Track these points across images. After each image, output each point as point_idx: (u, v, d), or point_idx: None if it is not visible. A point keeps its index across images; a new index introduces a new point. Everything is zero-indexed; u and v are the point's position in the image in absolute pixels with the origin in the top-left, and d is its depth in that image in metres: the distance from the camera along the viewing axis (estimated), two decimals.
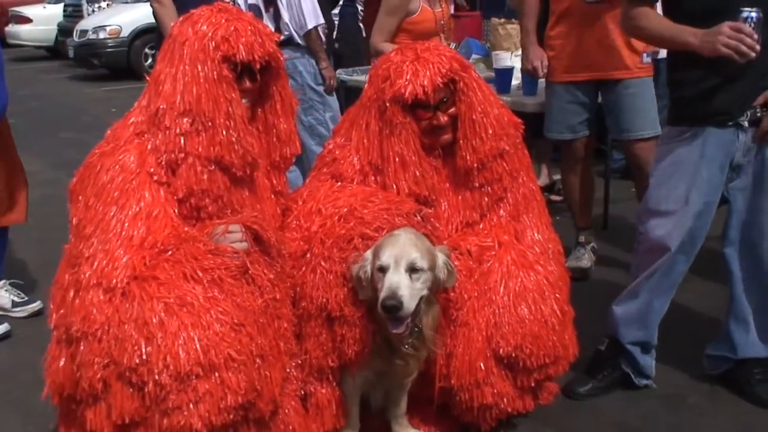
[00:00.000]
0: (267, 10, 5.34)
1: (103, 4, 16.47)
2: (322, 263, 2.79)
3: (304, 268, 2.83)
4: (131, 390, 2.37)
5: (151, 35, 12.12)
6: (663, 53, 4.74)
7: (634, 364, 3.48)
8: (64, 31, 16.44)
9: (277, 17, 5.33)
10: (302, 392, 2.88)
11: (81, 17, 16.17)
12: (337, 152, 3.12)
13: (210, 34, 2.65)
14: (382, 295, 2.57)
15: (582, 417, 3.36)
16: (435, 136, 3.05)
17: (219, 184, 2.67)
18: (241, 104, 2.72)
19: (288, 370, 2.78)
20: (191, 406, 2.35)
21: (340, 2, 7.74)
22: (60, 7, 17.34)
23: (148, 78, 2.78)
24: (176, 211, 2.63)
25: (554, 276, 3.05)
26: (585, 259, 4.87)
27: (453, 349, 2.92)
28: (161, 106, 2.62)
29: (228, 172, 2.68)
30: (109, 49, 14.45)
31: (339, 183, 3.05)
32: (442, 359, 2.92)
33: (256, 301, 2.57)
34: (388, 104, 2.95)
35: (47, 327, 2.65)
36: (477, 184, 3.08)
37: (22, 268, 5.08)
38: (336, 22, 7.35)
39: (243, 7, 5.20)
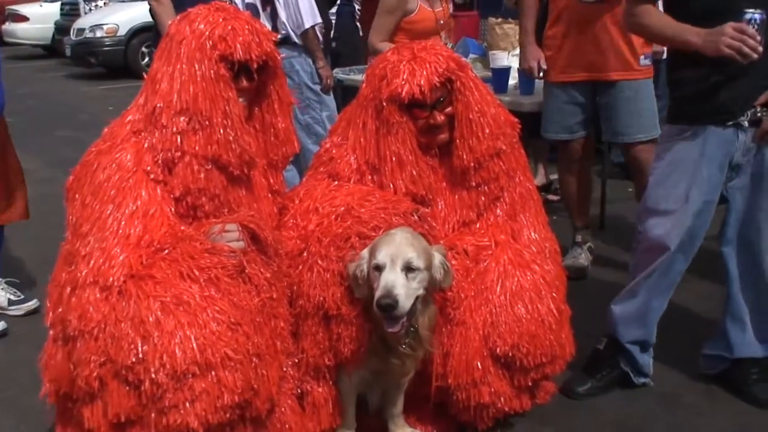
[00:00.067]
0: (264, 9, 5.33)
1: (100, 3, 16.47)
2: (319, 262, 2.79)
3: (301, 267, 2.83)
4: (128, 388, 2.37)
5: (148, 34, 12.10)
6: (665, 54, 4.74)
7: (633, 363, 3.48)
8: (61, 29, 16.42)
9: (274, 16, 5.32)
10: (299, 391, 2.88)
11: (78, 16, 16.16)
12: (334, 151, 3.12)
13: (207, 32, 2.65)
14: (378, 293, 2.57)
15: (579, 416, 3.36)
16: (432, 135, 3.05)
17: (216, 183, 2.67)
18: (239, 103, 2.72)
19: (285, 368, 2.78)
20: (188, 404, 2.35)
21: (338, 1, 7.74)
22: (57, 5, 17.32)
23: (145, 76, 2.77)
24: (173, 209, 2.63)
25: (551, 275, 3.05)
26: (582, 259, 4.87)
27: (450, 348, 2.92)
28: (158, 105, 2.62)
29: (225, 171, 2.68)
30: (106, 48, 14.44)
31: (336, 182, 3.05)
32: (439, 358, 2.92)
33: (253, 300, 2.57)
34: (384, 103, 2.95)
35: (44, 325, 2.65)
36: (474, 184, 3.08)
37: (18, 267, 5.08)
38: (333, 21, 7.34)
39: (240, 6, 5.19)
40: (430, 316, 2.82)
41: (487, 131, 3.01)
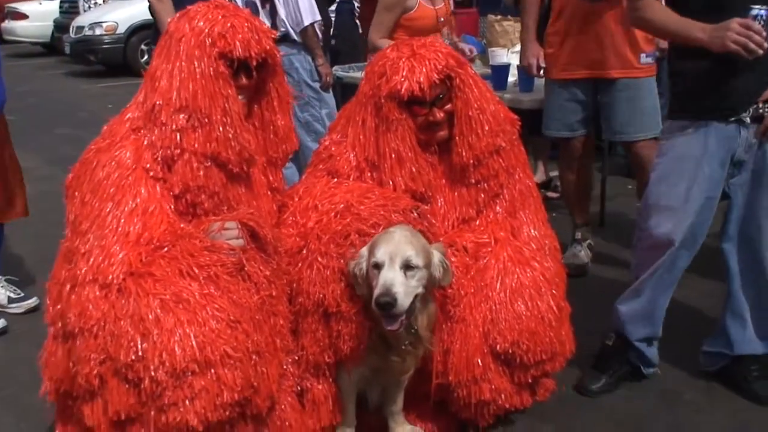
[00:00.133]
0: (263, 7, 5.33)
1: (99, 0, 16.44)
2: (319, 259, 2.79)
3: (300, 264, 2.82)
4: (127, 386, 2.38)
5: (147, 31, 12.12)
6: None
7: (642, 357, 3.51)
8: (61, 27, 16.40)
9: (273, 13, 5.32)
10: (299, 388, 2.88)
11: (77, 13, 16.12)
12: (333, 149, 3.12)
13: (207, 30, 2.65)
14: (377, 292, 2.56)
15: (579, 413, 3.37)
16: (431, 132, 3.04)
17: (215, 181, 2.66)
18: (238, 101, 2.72)
19: (284, 366, 2.77)
20: (187, 402, 2.35)
21: None
22: (56, 3, 17.28)
23: (144, 74, 2.77)
24: (172, 207, 2.63)
25: (551, 272, 3.05)
26: (582, 256, 4.87)
27: (450, 346, 2.92)
28: (157, 102, 2.62)
29: (224, 169, 2.68)
30: (105, 46, 14.41)
31: (335, 179, 3.05)
32: (439, 356, 2.92)
33: (252, 298, 2.56)
34: (384, 100, 2.95)
35: (43, 323, 2.65)
36: (473, 181, 3.08)
37: (18, 265, 5.08)
38: (333, 19, 7.33)
39: (240, 3, 5.19)
40: (430, 314, 2.82)
41: (487, 128, 3.01)
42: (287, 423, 2.76)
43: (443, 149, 3.10)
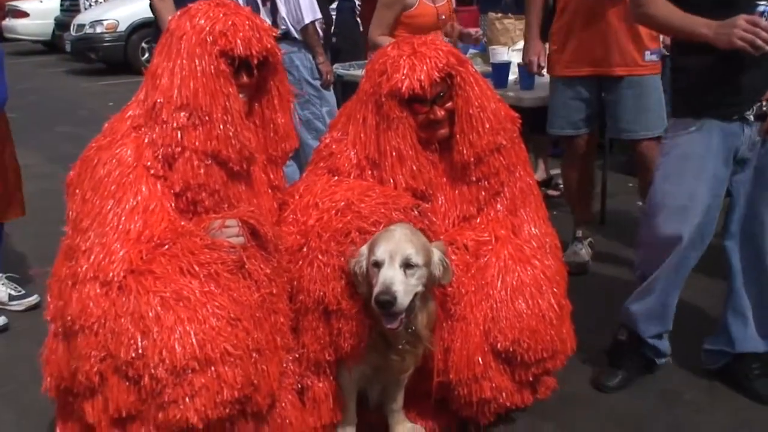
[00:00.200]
0: (264, 5, 5.32)
1: None
2: (319, 257, 2.79)
3: (301, 262, 2.82)
4: (127, 383, 2.38)
5: (148, 29, 12.09)
6: None
7: (656, 350, 3.51)
8: (61, 25, 16.39)
9: (274, 11, 5.31)
10: (299, 386, 2.88)
11: (78, 11, 16.12)
12: (333, 146, 3.12)
13: (208, 28, 2.65)
14: (376, 290, 2.56)
15: (580, 411, 3.36)
16: (432, 130, 3.04)
17: (216, 179, 2.67)
18: (239, 99, 2.72)
19: (285, 364, 2.77)
20: (187, 400, 2.35)
21: None
22: (57, 1, 17.27)
23: (145, 72, 2.77)
24: (173, 205, 2.63)
25: (552, 270, 3.05)
26: (582, 254, 4.86)
27: (451, 344, 2.92)
28: (158, 100, 2.63)
29: (225, 167, 2.68)
30: (106, 44, 14.41)
31: (336, 177, 3.05)
32: (439, 354, 2.92)
33: (253, 296, 2.56)
34: (384, 99, 2.95)
35: (44, 320, 2.65)
36: (474, 179, 3.07)
37: (19, 262, 5.07)
38: (333, 17, 7.33)
39: (241, 1, 5.18)
40: (429, 312, 2.82)
41: (488, 126, 3.01)
42: (288, 421, 2.76)
43: (444, 147, 3.10)
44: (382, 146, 3.00)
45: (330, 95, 5.71)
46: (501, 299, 2.91)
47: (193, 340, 2.35)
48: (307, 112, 5.51)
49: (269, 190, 3.01)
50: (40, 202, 5.23)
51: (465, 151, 3.01)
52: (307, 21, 5.31)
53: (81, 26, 14.68)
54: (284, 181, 3.15)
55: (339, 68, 6.09)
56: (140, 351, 2.35)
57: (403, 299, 2.56)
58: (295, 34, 5.37)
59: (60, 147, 8.30)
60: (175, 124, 2.61)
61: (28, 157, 5.04)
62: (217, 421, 2.40)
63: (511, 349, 2.89)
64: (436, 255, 2.73)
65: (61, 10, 17.05)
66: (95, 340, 2.39)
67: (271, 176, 3.02)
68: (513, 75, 5.24)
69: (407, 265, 2.60)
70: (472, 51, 5.91)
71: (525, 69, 4.89)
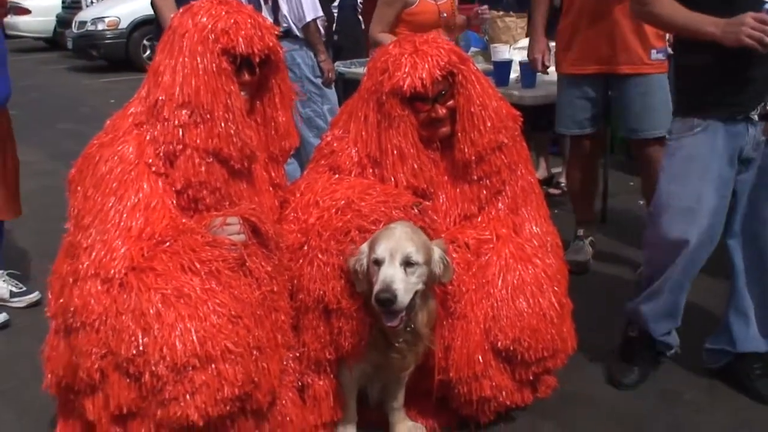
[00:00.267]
0: (266, 2, 5.32)
1: None
2: (320, 255, 2.79)
3: (301, 261, 2.83)
4: (128, 380, 2.38)
5: (149, 27, 12.10)
6: None
7: (666, 345, 3.51)
8: (63, 22, 16.43)
9: (275, 9, 5.31)
10: (300, 384, 2.88)
11: (80, 8, 16.14)
12: (335, 144, 3.12)
13: (210, 26, 2.66)
14: (377, 288, 2.56)
15: (580, 410, 3.36)
16: (433, 128, 3.05)
17: (217, 176, 2.67)
18: (240, 97, 2.72)
19: (286, 362, 2.78)
20: (188, 397, 2.35)
21: None
22: None
23: (147, 69, 2.77)
24: (174, 202, 2.64)
25: (552, 269, 3.05)
26: (583, 253, 4.85)
27: (451, 342, 2.92)
28: (160, 98, 2.63)
29: (226, 165, 2.69)
30: (107, 41, 14.43)
31: (337, 175, 3.06)
32: (440, 352, 2.93)
33: (254, 294, 2.57)
34: (386, 97, 2.95)
35: (45, 317, 2.66)
36: (475, 177, 3.07)
37: (20, 259, 5.07)
38: (335, 15, 7.33)
39: None
40: (430, 311, 2.82)
41: (489, 124, 3.01)
42: (288, 418, 2.76)
43: (445, 145, 3.10)
44: (384, 144, 3.00)
45: (331, 93, 5.70)
46: (502, 298, 2.91)
47: (194, 338, 2.35)
48: (309, 109, 5.51)
49: (270, 188, 3.01)
50: (42, 199, 5.24)
51: (466, 150, 3.01)
52: (308, 19, 5.31)
53: (83, 23, 14.70)
54: (285, 179, 3.15)
55: (340, 66, 6.09)
56: (141, 348, 2.35)
57: (404, 297, 2.57)
58: (297, 32, 5.37)
59: (61, 144, 8.30)
60: (176, 122, 2.61)
61: (29, 154, 5.04)
62: (218, 419, 2.41)
63: (511, 348, 2.89)
64: (437, 253, 2.73)
65: (63, 7, 17.09)
66: (96, 337, 2.40)
67: (272, 174, 3.03)
68: (514, 73, 5.23)
69: (407, 263, 2.60)
70: (473, 49, 5.91)
71: (527, 67, 4.88)
